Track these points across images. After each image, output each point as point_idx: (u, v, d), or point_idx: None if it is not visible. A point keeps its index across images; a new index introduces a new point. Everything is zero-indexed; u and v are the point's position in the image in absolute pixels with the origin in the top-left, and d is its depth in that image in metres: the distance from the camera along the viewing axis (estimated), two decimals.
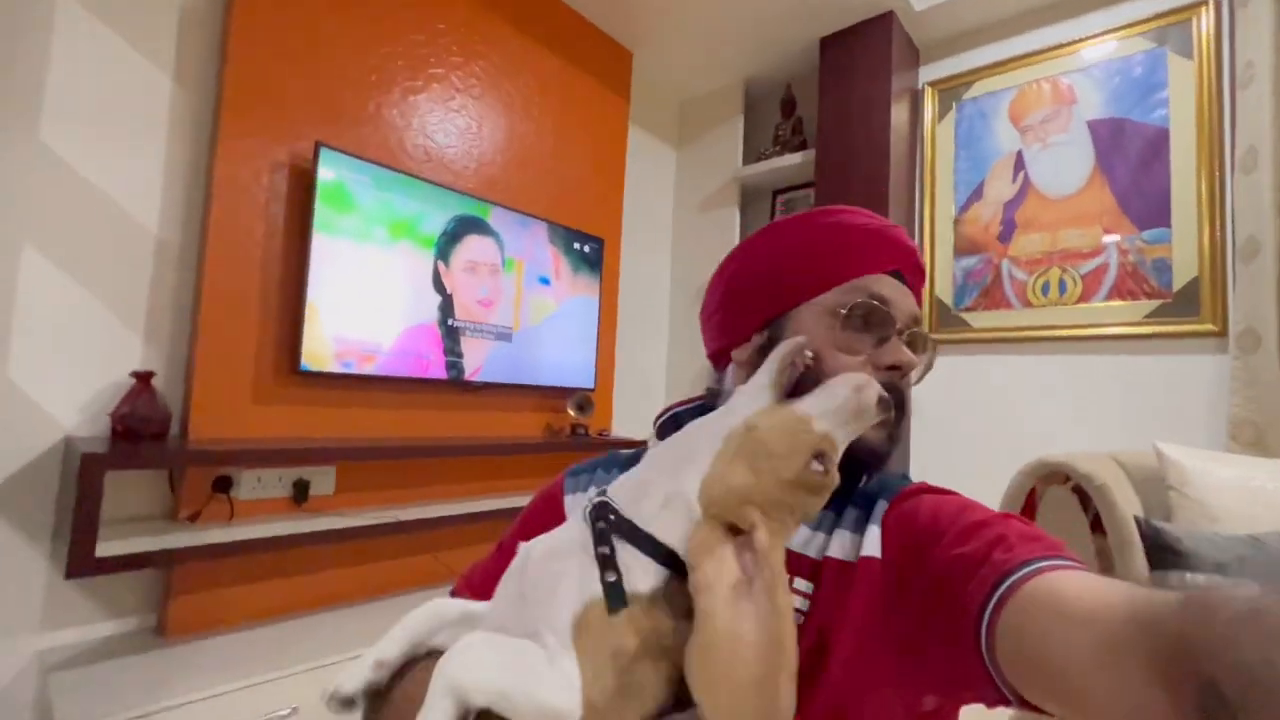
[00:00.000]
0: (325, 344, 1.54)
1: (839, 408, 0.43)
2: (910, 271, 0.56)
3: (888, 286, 0.53)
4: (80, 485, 1.08)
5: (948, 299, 2.23)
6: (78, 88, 1.31)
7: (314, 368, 1.51)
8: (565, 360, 2.15)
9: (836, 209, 0.57)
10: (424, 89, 1.83)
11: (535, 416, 2.13)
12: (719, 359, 0.61)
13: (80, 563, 1.07)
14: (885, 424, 0.49)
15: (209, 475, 1.40)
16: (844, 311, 0.51)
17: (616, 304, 2.49)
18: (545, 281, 2.09)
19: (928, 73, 2.36)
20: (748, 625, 0.34)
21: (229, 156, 1.45)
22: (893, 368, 0.51)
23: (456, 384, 1.83)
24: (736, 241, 2.56)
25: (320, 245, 1.52)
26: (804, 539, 0.51)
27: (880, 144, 2.15)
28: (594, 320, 2.25)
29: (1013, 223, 2.12)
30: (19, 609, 1.23)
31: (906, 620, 0.44)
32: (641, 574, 0.38)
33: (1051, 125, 2.07)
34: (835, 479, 0.42)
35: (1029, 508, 1.39)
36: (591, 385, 2.24)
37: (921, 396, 2.21)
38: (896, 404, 0.49)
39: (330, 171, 1.53)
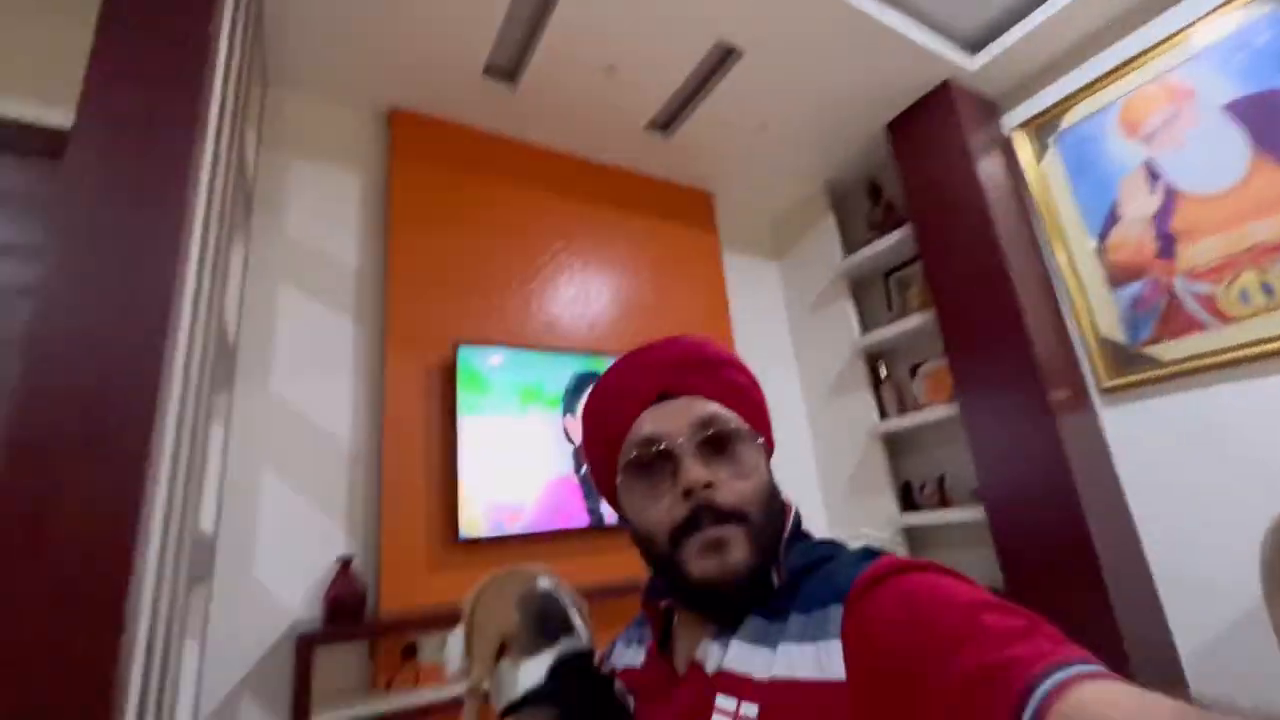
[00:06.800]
0: (478, 511, 1.74)
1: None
2: (680, 379, 0.55)
3: (653, 420, 0.54)
4: (296, 663, 1.30)
5: (1119, 336, 1.91)
6: (292, 345, 1.78)
7: (470, 534, 1.71)
8: None
9: (609, 368, 0.60)
10: (534, 277, 2.17)
11: None
12: None
13: None
14: (712, 548, 0.48)
15: (398, 643, 1.59)
16: (621, 477, 0.55)
17: None
18: None
19: (1014, 117, 2.26)
20: None
21: (394, 370, 1.82)
22: (688, 491, 0.50)
23: (597, 529, 1.93)
24: (857, 332, 2.51)
25: (465, 425, 1.79)
26: (744, 657, 0.46)
27: (975, 203, 2.05)
28: None
29: (1169, 235, 1.83)
30: None
31: None
32: None
33: (1178, 123, 1.84)
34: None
35: None
36: None
37: (1123, 456, 1.85)
38: (728, 517, 0.49)
39: (466, 363, 1.84)
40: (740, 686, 0.45)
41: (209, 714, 1.43)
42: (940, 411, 2.16)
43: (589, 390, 0.62)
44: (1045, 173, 2.14)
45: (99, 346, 0.78)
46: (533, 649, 0.53)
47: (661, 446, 0.52)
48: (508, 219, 2.19)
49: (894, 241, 2.40)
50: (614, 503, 0.60)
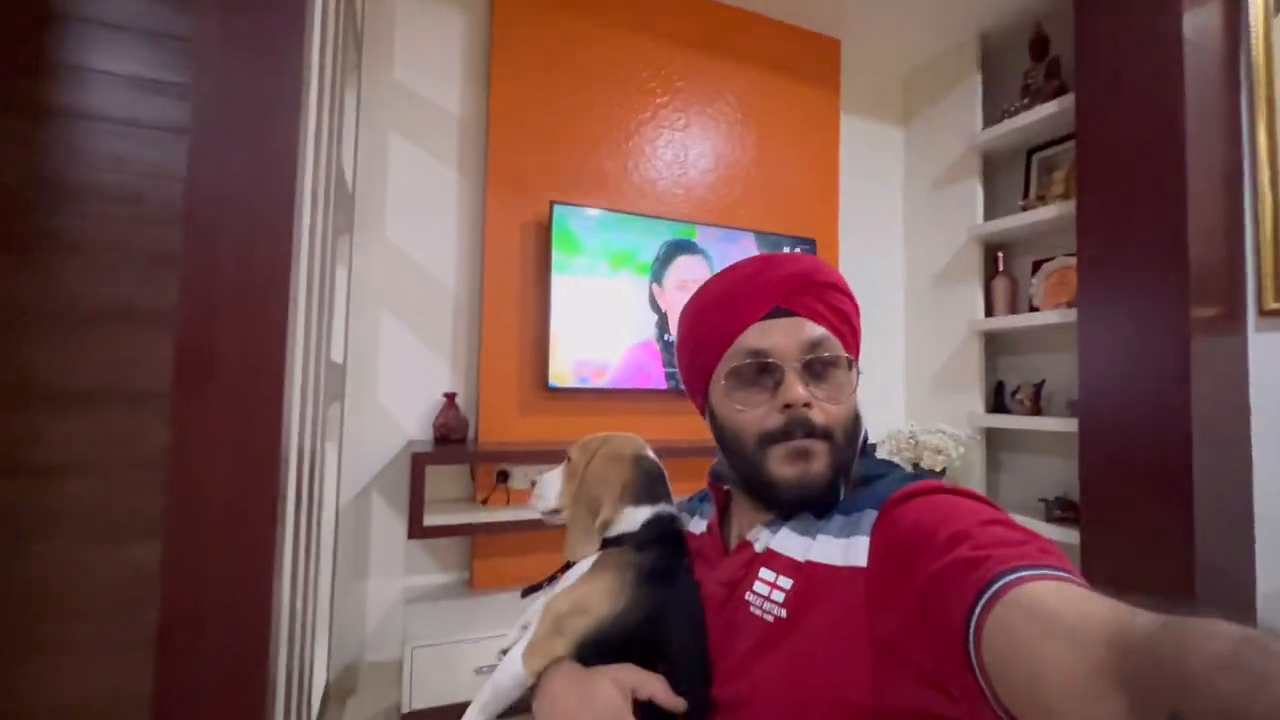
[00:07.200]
0: (566, 364, 1.88)
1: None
2: (794, 297, 0.56)
3: (763, 334, 0.56)
4: (412, 476, 1.55)
5: None
6: (402, 192, 1.88)
7: (559, 384, 1.87)
8: None
9: (723, 271, 0.61)
10: (633, 135, 2.09)
11: None
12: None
13: (415, 529, 1.55)
14: (799, 456, 0.53)
15: (493, 469, 1.84)
16: (723, 381, 0.57)
17: None
18: None
19: None
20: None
21: (493, 223, 1.89)
22: (787, 406, 0.54)
23: (675, 392, 2.03)
24: (980, 218, 2.28)
25: (558, 284, 1.87)
26: (789, 543, 0.54)
27: (1169, 66, 1.68)
28: None
29: None
30: (393, 558, 1.82)
31: (890, 626, 0.44)
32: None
33: None
34: None
35: None
36: None
37: (1265, 387, 1.66)
38: (818, 434, 0.53)
39: (561, 222, 1.87)
40: (781, 564, 0.53)
41: (348, 501, 1.77)
42: (1055, 316, 1.98)
43: (700, 288, 0.63)
44: (1277, 29, 1.69)
45: (241, 198, 0.88)
46: (639, 501, 0.63)
47: (768, 360, 0.56)
48: (611, 67, 2.06)
49: (1049, 113, 2.06)
50: (699, 397, 0.64)
